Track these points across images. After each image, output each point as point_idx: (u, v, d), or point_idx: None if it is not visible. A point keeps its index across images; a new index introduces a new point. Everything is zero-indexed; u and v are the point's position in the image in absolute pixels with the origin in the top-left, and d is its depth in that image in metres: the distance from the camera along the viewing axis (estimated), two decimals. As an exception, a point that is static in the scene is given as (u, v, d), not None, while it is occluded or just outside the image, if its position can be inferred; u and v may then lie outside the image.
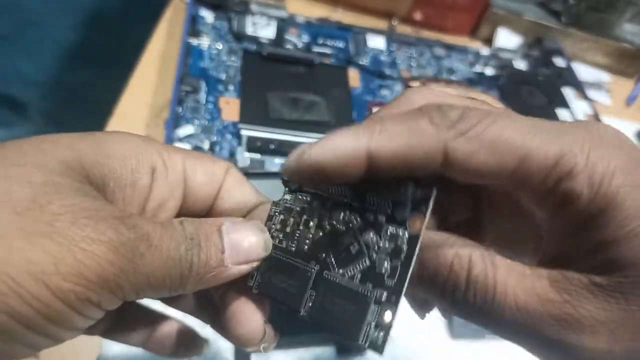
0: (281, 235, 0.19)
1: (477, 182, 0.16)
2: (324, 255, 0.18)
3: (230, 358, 0.31)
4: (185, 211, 0.20)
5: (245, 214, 0.21)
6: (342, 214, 0.18)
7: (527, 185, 0.16)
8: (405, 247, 0.17)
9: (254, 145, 0.39)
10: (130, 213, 0.16)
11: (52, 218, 0.14)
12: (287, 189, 0.19)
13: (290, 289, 0.18)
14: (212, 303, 0.21)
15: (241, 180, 0.21)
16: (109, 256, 0.15)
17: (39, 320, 0.14)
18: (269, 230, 0.19)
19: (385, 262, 0.17)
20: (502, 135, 0.15)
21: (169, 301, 0.21)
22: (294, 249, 0.19)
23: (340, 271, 0.18)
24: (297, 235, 0.19)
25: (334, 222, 0.18)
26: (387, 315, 0.16)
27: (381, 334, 0.16)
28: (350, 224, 0.18)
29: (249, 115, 0.41)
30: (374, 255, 0.17)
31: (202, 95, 0.41)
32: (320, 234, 0.18)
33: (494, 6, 0.58)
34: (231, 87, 0.43)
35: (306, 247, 0.18)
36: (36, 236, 0.14)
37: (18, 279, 0.13)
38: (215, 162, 0.20)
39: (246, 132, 0.40)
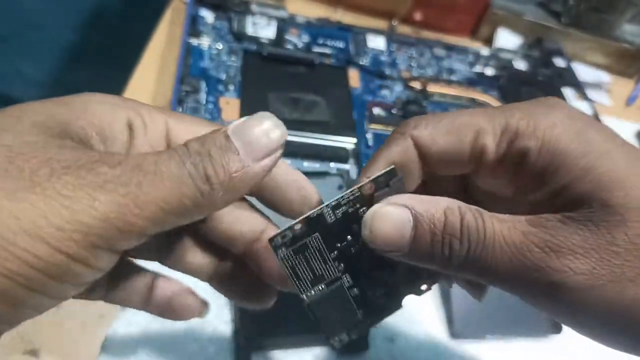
0: (330, 232, 0.19)
1: (445, 169, 0.20)
2: (349, 267, 0.20)
3: (230, 357, 0.31)
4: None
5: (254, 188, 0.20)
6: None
7: (485, 157, 0.19)
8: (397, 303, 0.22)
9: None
10: (113, 153, 0.16)
11: (30, 173, 0.14)
12: (360, 196, 0.20)
13: (307, 275, 0.19)
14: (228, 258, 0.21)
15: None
16: (98, 197, 0.14)
17: (43, 278, 0.14)
18: (322, 222, 0.19)
19: (380, 299, 0.21)
20: (455, 119, 0.20)
21: (175, 262, 0.21)
22: (333, 248, 0.20)
23: (352, 287, 0.20)
24: (341, 241, 0.20)
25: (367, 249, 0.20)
26: (354, 333, 0.21)
27: (343, 341, 0.21)
28: (376, 261, 0.20)
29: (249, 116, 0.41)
30: (378, 291, 0.21)
31: (202, 95, 0.41)
32: (356, 251, 0.20)
33: (494, 6, 0.58)
34: (231, 87, 0.43)
35: (340, 253, 0.20)
36: (19, 193, 0.13)
37: (12, 239, 0.13)
38: (204, 124, 0.20)
39: (246, 132, 0.40)
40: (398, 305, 0.22)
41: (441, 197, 0.19)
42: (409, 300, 0.22)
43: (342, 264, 0.20)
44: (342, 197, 0.19)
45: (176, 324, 0.31)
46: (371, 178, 0.19)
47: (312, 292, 0.19)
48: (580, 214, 0.17)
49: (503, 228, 0.18)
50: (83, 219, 0.14)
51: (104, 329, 0.30)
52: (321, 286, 0.20)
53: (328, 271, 0.20)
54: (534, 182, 0.19)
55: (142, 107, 0.19)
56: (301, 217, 0.18)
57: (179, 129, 0.19)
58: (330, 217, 0.19)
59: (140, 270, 0.21)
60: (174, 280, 0.22)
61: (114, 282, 0.20)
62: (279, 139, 0.17)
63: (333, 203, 0.19)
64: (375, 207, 0.19)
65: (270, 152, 0.17)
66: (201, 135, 0.17)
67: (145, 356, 0.30)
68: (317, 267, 0.19)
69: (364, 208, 0.19)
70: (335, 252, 0.19)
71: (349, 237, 0.19)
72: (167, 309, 0.21)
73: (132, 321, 0.31)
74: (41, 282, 0.14)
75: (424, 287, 0.22)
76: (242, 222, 0.20)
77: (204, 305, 0.22)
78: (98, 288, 0.20)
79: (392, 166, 0.19)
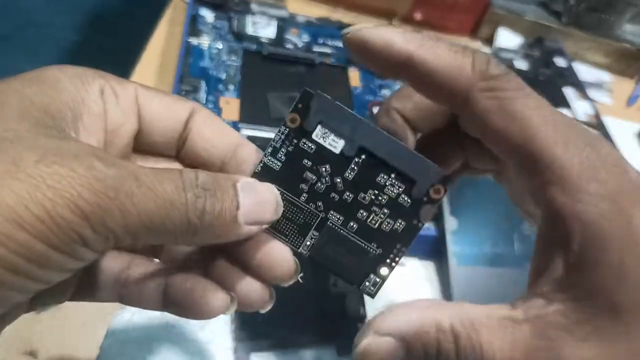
0: (284, 177, 0.19)
1: (478, 135, 0.18)
2: (329, 204, 0.19)
3: (230, 357, 0.30)
4: (144, 143, 0.20)
5: (225, 156, 0.20)
6: (352, 168, 0.19)
7: (521, 169, 0.17)
8: (415, 212, 0.19)
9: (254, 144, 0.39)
10: (106, 151, 0.16)
11: (15, 158, 0.14)
12: (290, 130, 0.19)
13: (292, 227, 0.19)
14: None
15: (213, 120, 0.20)
16: (83, 193, 0.14)
17: (24, 264, 0.13)
18: (270, 172, 0.19)
19: (391, 222, 0.19)
20: (523, 112, 0.16)
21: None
22: (298, 192, 0.19)
23: (345, 222, 0.19)
24: (302, 181, 0.19)
25: (344, 175, 0.19)
26: (384, 270, 0.19)
27: (377, 284, 0.19)
28: (360, 180, 0.19)
29: (249, 115, 0.41)
30: (381, 213, 0.19)
31: (202, 95, 0.41)
32: (327, 184, 0.19)
33: (494, 6, 0.58)
34: (231, 87, 0.43)
35: (311, 193, 0.19)
36: (1, 178, 0.13)
37: None
38: (176, 100, 0.20)
39: (246, 131, 0.40)
40: (415, 222, 0.19)
41: (432, 306, 0.17)
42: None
43: (319, 203, 0.19)
44: (274, 140, 0.19)
45: (176, 324, 0.31)
46: (290, 109, 0.19)
47: (308, 242, 0.19)
48: (583, 315, 0.15)
49: (504, 344, 0.16)
50: (64, 213, 0.13)
51: (103, 329, 0.30)
52: (312, 233, 0.19)
53: (309, 216, 0.19)
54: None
55: (111, 77, 0.19)
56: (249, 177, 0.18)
57: (148, 98, 0.19)
58: (274, 164, 0.19)
59: (151, 268, 0.20)
60: (191, 274, 0.19)
61: (122, 282, 0.19)
62: (271, 217, 0.18)
63: (269, 150, 0.19)
64: (363, 344, 0.17)
65: (261, 223, 0.18)
66: (214, 173, 0.17)
67: (145, 356, 0.30)
68: (296, 216, 0.19)
69: (303, 140, 0.19)
70: (305, 195, 0.19)
71: (308, 174, 0.19)
72: (186, 308, 0.19)
73: (131, 321, 0.31)
74: (23, 266, 0.13)
75: (439, 188, 0.19)
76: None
77: (228, 299, 0.19)
78: (105, 289, 0.19)
79: (305, 88, 0.19)
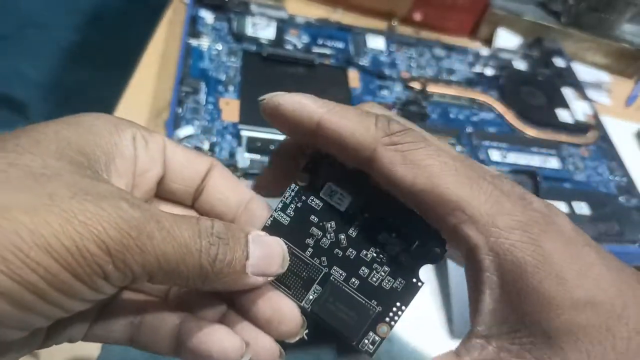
0: (292, 232, 0.20)
1: (389, 188, 0.18)
2: (333, 259, 0.20)
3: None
4: (165, 190, 0.21)
5: (237, 209, 0.21)
6: (356, 226, 0.20)
7: (434, 214, 0.18)
8: (415, 272, 0.19)
9: (254, 145, 0.39)
10: (135, 196, 0.17)
11: (52, 193, 0.15)
12: (300, 188, 0.20)
13: (297, 281, 0.20)
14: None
15: (229, 176, 0.22)
16: (110, 231, 0.15)
17: (50, 290, 0.14)
18: (279, 226, 0.20)
19: (391, 280, 0.19)
20: (425, 160, 0.18)
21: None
22: (304, 246, 0.20)
23: (347, 278, 0.20)
24: (308, 236, 0.20)
25: (348, 232, 0.20)
26: (384, 329, 0.19)
27: (375, 343, 0.19)
28: (363, 237, 0.20)
29: (248, 116, 0.41)
30: (382, 271, 0.20)
31: (202, 96, 0.41)
32: (332, 240, 0.20)
33: (493, 6, 0.58)
34: (231, 88, 0.43)
35: (316, 248, 0.20)
36: (38, 210, 0.14)
37: (26, 251, 0.14)
38: (197, 154, 0.22)
39: (246, 132, 0.40)
40: (414, 281, 0.19)
41: None
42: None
43: (323, 258, 0.20)
44: (284, 197, 0.20)
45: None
46: (301, 168, 0.20)
47: (311, 296, 0.20)
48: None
49: None
50: (90, 247, 0.15)
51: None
52: (316, 287, 0.20)
53: (313, 270, 0.20)
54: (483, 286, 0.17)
55: (142, 127, 0.20)
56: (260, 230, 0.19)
57: (173, 149, 0.21)
58: (284, 219, 0.20)
59: (165, 312, 0.20)
60: (204, 320, 0.19)
61: (136, 324, 0.20)
62: (277, 270, 0.19)
63: (280, 205, 0.20)
64: None
65: (267, 275, 0.19)
66: (228, 223, 0.18)
67: (147, 357, 0.30)
68: (300, 270, 0.20)
69: (311, 197, 0.20)
70: (310, 249, 0.20)
71: (314, 229, 0.20)
72: (200, 354, 0.19)
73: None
74: (48, 292, 0.15)
75: (437, 250, 0.19)
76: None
77: (244, 346, 0.19)
78: (118, 330, 0.20)
79: (315, 152, 0.20)
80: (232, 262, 0.17)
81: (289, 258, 0.20)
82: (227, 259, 0.17)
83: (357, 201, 0.20)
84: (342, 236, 0.20)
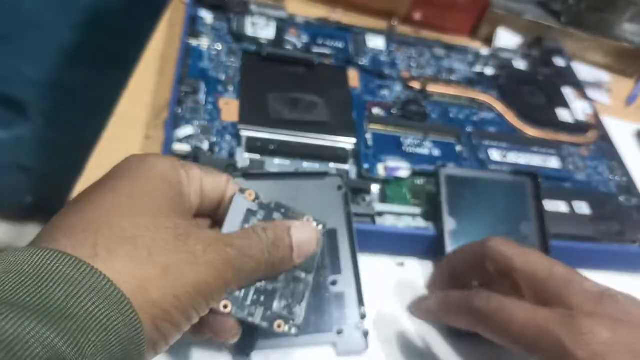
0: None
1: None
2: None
3: (230, 357, 0.31)
4: (200, 211, 0.26)
5: None
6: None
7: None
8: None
9: (253, 145, 0.39)
10: (227, 235, 0.24)
11: (191, 249, 0.21)
12: None
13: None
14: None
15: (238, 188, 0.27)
16: (225, 269, 0.22)
17: (171, 327, 0.21)
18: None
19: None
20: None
21: None
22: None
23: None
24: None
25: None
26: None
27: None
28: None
29: (248, 116, 0.41)
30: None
31: (202, 96, 0.41)
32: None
33: (493, 6, 0.58)
34: (230, 88, 0.43)
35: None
36: (188, 264, 0.21)
37: (185, 299, 0.21)
38: (217, 175, 0.26)
39: (246, 132, 0.40)
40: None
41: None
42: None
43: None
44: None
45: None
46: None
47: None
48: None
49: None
50: (216, 284, 0.22)
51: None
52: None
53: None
54: None
55: (185, 164, 0.25)
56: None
57: (207, 178, 0.25)
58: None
59: None
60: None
61: None
62: (316, 249, 0.27)
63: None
64: None
65: (307, 255, 0.26)
66: (272, 224, 0.26)
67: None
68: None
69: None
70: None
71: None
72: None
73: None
74: (170, 330, 0.21)
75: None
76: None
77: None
78: None
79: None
80: (282, 258, 0.25)
81: (322, 240, 0.27)
82: (278, 259, 0.25)
83: None
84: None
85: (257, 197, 0.26)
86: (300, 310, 0.26)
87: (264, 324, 0.25)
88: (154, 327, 0.20)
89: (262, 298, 0.25)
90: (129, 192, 0.22)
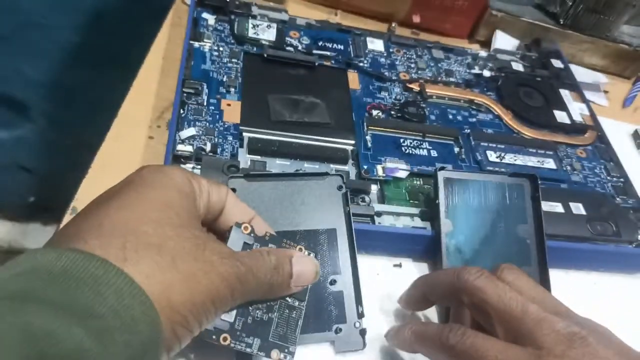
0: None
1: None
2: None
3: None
4: (203, 221, 0.27)
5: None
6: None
7: None
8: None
9: (255, 146, 0.39)
10: (237, 252, 0.26)
11: (208, 259, 0.23)
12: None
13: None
14: None
15: (236, 200, 0.29)
16: (231, 278, 0.24)
17: (187, 332, 0.22)
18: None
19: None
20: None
21: None
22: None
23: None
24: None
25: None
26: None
27: None
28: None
29: (250, 117, 0.41)
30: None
31: (204, 98, 0.42)
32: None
33: (491, 8, 0.58)
34: (232, 90, 0.43)
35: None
36: (206, 272, 0.22)
37: (200, 305, 0.22)
38: (220, 186, 0.28)
39: (247, 133, 0.40)
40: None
41: None
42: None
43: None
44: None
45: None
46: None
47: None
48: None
49: None
50: (225, 292, 0.23)
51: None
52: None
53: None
54: None
55: (197, 177, 0.27)
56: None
57: (212, 190, 0.27)
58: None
59: None
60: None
61: None
62: (312, 281, 0.29)
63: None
64: None
65: (305, 285, 0.28)
66: (275, 250, 0.28)
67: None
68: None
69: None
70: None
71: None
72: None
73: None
74: (184, 334, 0.22)
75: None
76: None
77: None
78: None
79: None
80: (281, 284, 0.27)
81: (320, 272, 0.29)
82: (277, 283, 0.26)
83: None
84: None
85: (252, 231, 0.28)
86: (294, 338, 0.28)
87: (261, 355, 0.27)
88: (172, 330, 0.21)
89: (258, 329, 0.27)
90: (151, 201, 0.23)
